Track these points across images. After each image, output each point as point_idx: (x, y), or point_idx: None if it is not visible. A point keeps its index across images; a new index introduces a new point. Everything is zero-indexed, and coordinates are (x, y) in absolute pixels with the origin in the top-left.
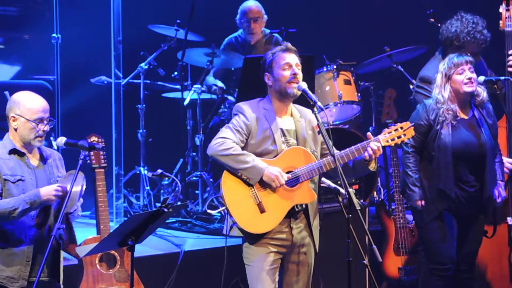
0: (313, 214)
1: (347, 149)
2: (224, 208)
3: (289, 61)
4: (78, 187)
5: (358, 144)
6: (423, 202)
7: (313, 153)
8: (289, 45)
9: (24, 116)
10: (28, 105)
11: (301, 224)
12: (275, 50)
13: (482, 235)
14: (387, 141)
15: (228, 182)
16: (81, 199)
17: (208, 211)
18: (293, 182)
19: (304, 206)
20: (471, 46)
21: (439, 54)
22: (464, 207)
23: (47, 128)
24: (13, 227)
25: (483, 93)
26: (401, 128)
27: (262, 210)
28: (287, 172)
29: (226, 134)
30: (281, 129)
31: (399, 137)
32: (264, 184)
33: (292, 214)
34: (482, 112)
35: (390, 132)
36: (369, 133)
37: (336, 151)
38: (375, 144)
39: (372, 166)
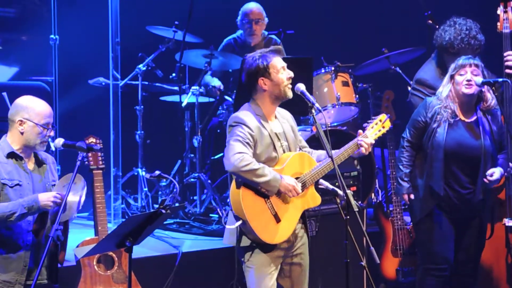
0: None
1: (342, 149)
2: (240, 222)
3: (283, 64)
4: (77, 197)
5: (350, 143)
6: (412, 196)
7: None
8: (280, 47)
9: (32, 120)
10: (37, 109)
11: (299, 225)
12: (266, 54)
13: (483, 239)
14: (372, 135)
15: (247, 197)
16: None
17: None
18: (301, 188)
19: None
20: (466, 52)
21: (435, 57)
22: (457, 208)
23: (52, 133)
24: (10, 232)
25: (491, 99)
26: (380, 121)
27: (278, 220)
28: (295, 179)
29: (241, 148)
30: (275, 134)
31: (379, 130)
32: (277, 194)
33: None
34: (487, 117)
35: (373, 126)
36: (360, 131)
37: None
38: (368, 140)
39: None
